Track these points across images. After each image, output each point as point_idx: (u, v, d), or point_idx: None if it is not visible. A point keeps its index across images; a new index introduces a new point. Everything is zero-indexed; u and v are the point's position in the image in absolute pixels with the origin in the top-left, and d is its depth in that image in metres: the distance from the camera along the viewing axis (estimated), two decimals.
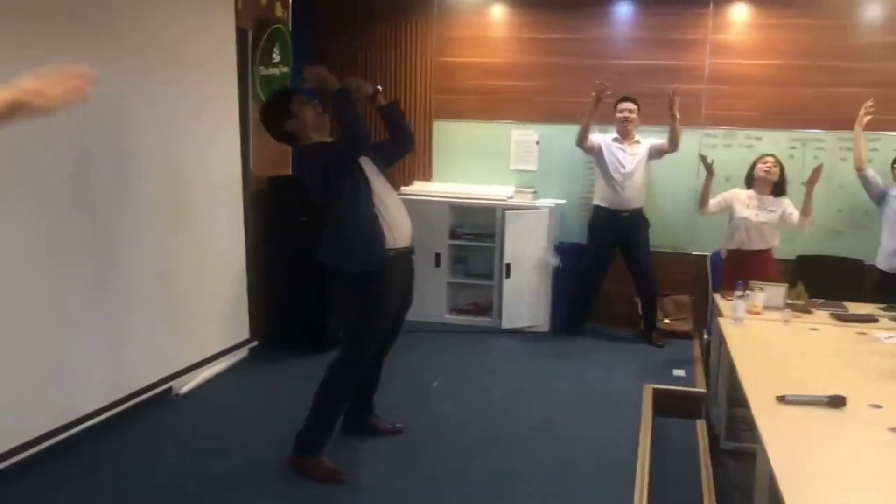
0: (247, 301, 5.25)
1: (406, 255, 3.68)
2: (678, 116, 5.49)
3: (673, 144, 5.63)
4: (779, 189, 5.09)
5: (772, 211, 5.02)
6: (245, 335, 5.25)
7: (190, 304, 4.67)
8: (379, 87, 3.90)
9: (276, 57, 5.55)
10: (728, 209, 5.15)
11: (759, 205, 5.04)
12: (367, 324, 3.53)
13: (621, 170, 5.71)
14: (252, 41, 5.23)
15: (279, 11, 5.60)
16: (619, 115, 5.68)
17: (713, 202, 5.19)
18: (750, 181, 5.16)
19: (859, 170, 5.44)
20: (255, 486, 3.50)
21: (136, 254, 4.18)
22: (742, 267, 4.89)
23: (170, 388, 4.51)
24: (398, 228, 3.57)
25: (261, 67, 5.36)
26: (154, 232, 4.32)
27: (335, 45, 6.55)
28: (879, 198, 5.32)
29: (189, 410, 4.41)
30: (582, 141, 5.71)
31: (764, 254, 5.04)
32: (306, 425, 3.60)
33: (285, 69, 5.68)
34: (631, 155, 5.72)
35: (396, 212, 3.61)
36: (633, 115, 5.68)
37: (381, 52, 6.48)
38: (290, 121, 3.52)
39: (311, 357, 5.28)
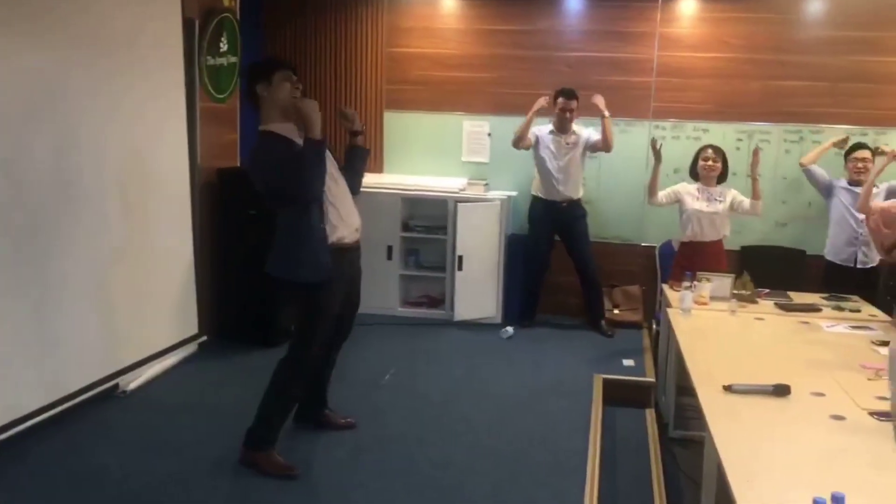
0: (195, 295, 5.17)
1: (353, 250, 3.68)
2: (607, 115, 5.61)
3: (606, 144, 5.70)
4: (722, 177, 5.17)
5: (720, 201, 5.10)
6: (194, 330, 5.16)
7: (136, 300, 4.57)
8: (363, 128, 3.97)
9: (224, 47, 5.46)
10: (677, 202, 5.21)
11: (707, 196, 5.11)
12: (312, 326, 3.52)
13: (557, 162, 5.74)
14: (199, 31, 5.12)
15: (227, 1, 5.50)
16: (558, 109, 5.69)
17: (662, 194, 5.25)
18: (695, 175, 5.23)
19: (803, 165, 5.57)
20: (205, 485, 3.45)
21: (79, 248, 4.08)
22: (695, 258, 4.96)
23: (116, 385, 4.42)
24: (348, 225, 3.57)
25: (208, 57, 5.26)
26: (98, 226, 4.22)
27: (284, 35, 6.46)
28: (827, 191, 5.44)
29: (136, 407, 4.33)
30: (518, 141, 5.74)
31: (716, 244, 5.11)
32: (256, 421, 3.57)
33: (233, 59, 5.59)
34: (567, 147, 5.74)
35: (348, 206, 3.61)
36: (574, 113, 5.69)
37: (331, 41, 6.42)
38: (263, 85, 3.40)
39: (261, 352, 5.23)
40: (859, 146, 5.34)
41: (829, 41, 5.82)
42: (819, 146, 5.62)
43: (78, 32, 3.99)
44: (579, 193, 5.87)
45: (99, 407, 4.21)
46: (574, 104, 5.66)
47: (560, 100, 5.67)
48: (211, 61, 5.31)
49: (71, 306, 4.05)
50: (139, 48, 4.48)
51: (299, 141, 3.38)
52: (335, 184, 3.54)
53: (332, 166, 3.53)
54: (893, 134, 5.77)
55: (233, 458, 3.63)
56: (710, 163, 5.10)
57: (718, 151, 5.17)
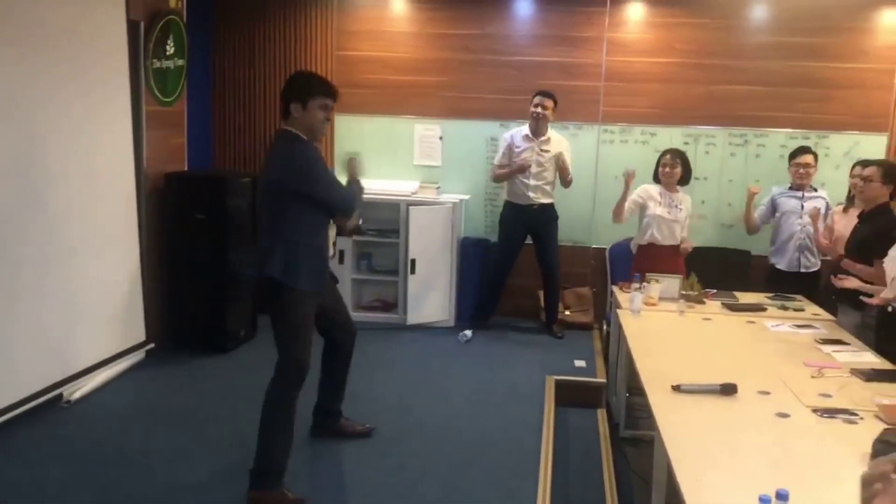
0: (142, 302, 5.07)
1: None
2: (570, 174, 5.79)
3: (564, 182, 5.85)
4: (683, 180, 5.17)
5: (680, 209, 5.11)
6: (141, 337, 5.06)
7: (80, 307, 4.47)
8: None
9: (171, 49, 5.37)
10: (641, 207, 5.20)
11: (669, 202, 5.11)
12: (297, 334, 3.39)
13: (530, 169, 5.76)
14: (145, 33, 5.03)
15: (173, 2, 5.41)
16: (533, 108, 5.68)
17: (627, 206, 5.20)
18: (657, 179, 5.23)
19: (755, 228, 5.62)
20: (149, 499, 3.38)
21: (21, 255, 3.98)
22: (652, 261, 4.99)
23: (60, 395, 4.31)
24: (330, 239, 3.60)
25: (154, 60, 5.18)
26: (41, 232, 4.12)
27: (232, 37, 6.38)
28: (774, 209, 5.48)
29: (81, 417, 4.22)
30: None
31: (674, 248, 5.14)
32: (258, 458, 3.31)
33: (180, 62, 5.50)
34: (540, 153, 5.75)
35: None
36: (548, 112, 5.68)
37: (280, 44, 6.36)
38: (297, 106, 3.35)
39: (211, 358, 5.18)
40: (802, 150, 5.40)
41: (774, 46, 5.95)
42: (746, 213, 5.60)
43: (17, 34, 3.89)
44: (552, 198, 5.87)
45: (42, 417, 4.10)
46: (549, 103, 5.66)
47: (536, 98, 5.68)
48: (157, 64, 5.22)
49: (12, 314, 3.94)
50: (82, 50, 4.39)
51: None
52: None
53: None
54: (835, 138, 5.93)
55: (177, 467, 3.57)
56: (667, 168, 5.09)
57: (678, 155, 5.13)
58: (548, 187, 5.83)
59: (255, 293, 3.49)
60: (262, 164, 3.69)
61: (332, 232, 3.64)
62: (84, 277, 4.49)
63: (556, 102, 5.70)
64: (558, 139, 5.83)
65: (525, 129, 5.80)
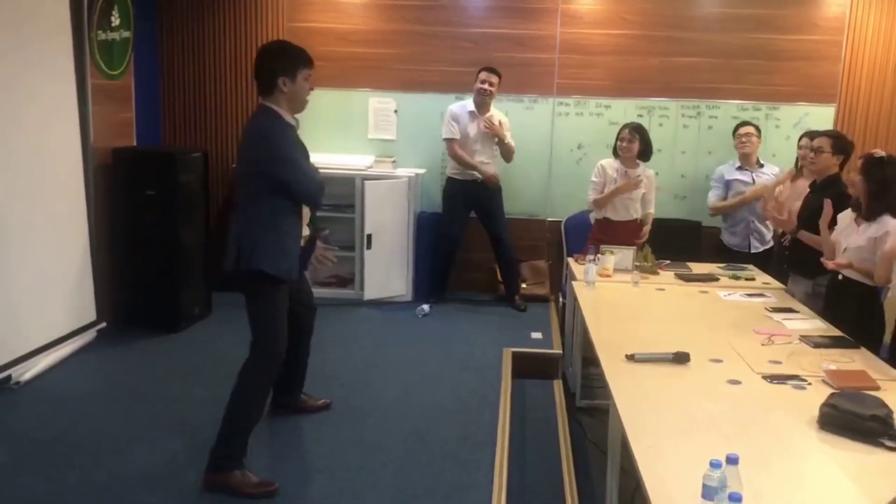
0: (92, 281, 4.97)
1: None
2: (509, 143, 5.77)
3: (508, 158, 5.88)
4: (643, 155, 5.16)
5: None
6: (92, 317, 4.97)
7: (28, 286, 4.36)
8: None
9: (116, 21, 5.22)
10: (603, 186, 5.14)
11: (626, 178, 5.10)
12: (273, 322, 3.31)
13: (474, 146, 5.76)
14: (88, 3, 4.88)
15: None
16: (479, 84, 5.67)
17: (594, 189, 5.17)
18: (616, 154, 5.23)
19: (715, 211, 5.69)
20: (95, 477, 3.33)
21: None
22: (609, 233, 5.02)
23: (9, 377, 4.21)
24: (303, 227, 3.48)
25: (99, 32, 5.03)
26: None
27: (179, 8, 6.22)
28: (726, 186, 5.54)
29: (31, 399, 4.13)
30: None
31: (630, 224, 5.15)
32: (221, 439, 3.23)
33: (126, 33, 5.36)
34: (484, 129, 5.74)
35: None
36: (494, 89, 5.68)
37: (230, 15, 6.21)
38: (286, 79, 3.24)
39: (163, 337, 5.11)
40: (742, 124, 5.57)
41: (725, 18, 5.99)
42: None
43: None
44: (493, 171, 5.88)
45: None
46: (495, 79, 5.65)
47: (482, 73, 5.66)
48: (102, 36, 5.08)
49: None
50: (22, 21, 4.24)
51: (292, 121, 3.33)
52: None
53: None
54: (785, 109, 6.00)
55: (130, 449, 3.52)
56: (625, 143, 5.08)
57: (637, 130, 5.12)
58: (491, 161, 5.84)
59: (228, 277, 3.38)
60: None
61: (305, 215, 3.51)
62: (32, 256, 4.38)
63: (500, 78, 5.69)
64: (499, 114, 5.85)
65: (469, 104, 5.80)
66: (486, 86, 5.64)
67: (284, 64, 3.26)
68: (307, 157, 3.38)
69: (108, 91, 5.22)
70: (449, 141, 5.82)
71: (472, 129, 5.75)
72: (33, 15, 4.36)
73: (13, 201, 4.22)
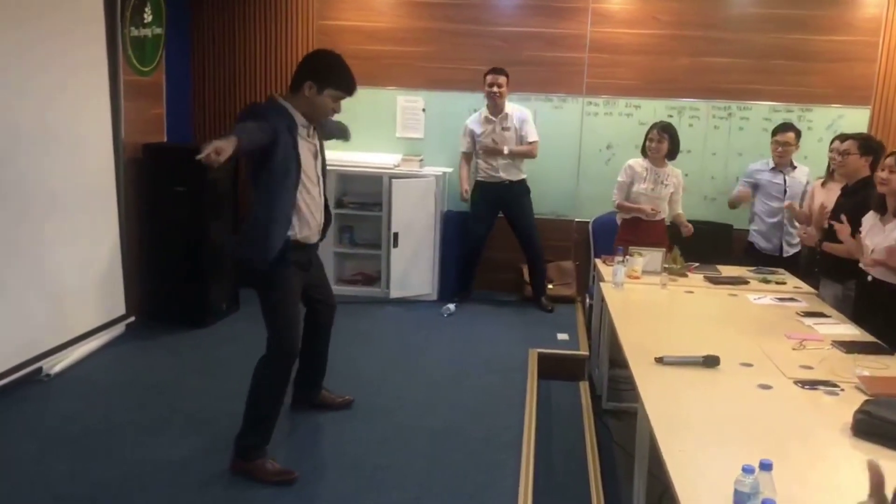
0: (122, 275, 5.01)
1: (313, 246, 3.55)
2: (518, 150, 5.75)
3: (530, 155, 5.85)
4: (671, 155, 5.11)
5: (666, 185, 5.09)
6: (121, 311, 5.01)
7: (59, 280, 4.41)
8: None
9: (149, 17, 5.27)
10: (629, 186, 5.12)
11: (655, 178, 5.07)
12: (276, 311, 3.33)
13: (496, 147, 5.74)
14: (122, 0, 4.92)
15: None
16: (488, 88, 5.64)
17: (622, 196, 5.15)
18: (645, 153, 5.19)
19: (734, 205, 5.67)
20: (116, 462, 3.36)
21: None
22: (636, 234, 4.98)
23: (40, 369, 4.26)
24: (312, 227, 3.42)
25: (132, 28, 5.07)
26: (18, 205, 4.04)
27: (211, 5, 6.27)
28: (755, 187, 5.47)
29: (60, 391, 4.18)
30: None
31: (658, 223, 5.13)
32: (244, 428, 3.31)
33: (158, 30, 5.40)
34: (502, 132, 5.73)
35: (318, 208, 3.45)
36: (503, 89, 5.64)
37: (261, 13, 6.25)
38: (311, 85, 3.24)
39: (191, 332, 5.14)
40: (785, 127, 5.36)
41: (757, 18, 5.92)
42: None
43: None
44: (521, 175, 5.86)
45: (21, 391, 4.06)
46: (502, 79, 5.62)
47: (489, 76, 5.64)
48: (135, 32, 5.12)
49: None
50: (58, 18, 4.29)
51: (302, 123, 3.29)
52: (313, 185, 3.38)
53: (313, 167, 3.39)
54: (819, 111, 5.92)
55: (158, 441, 3.55)
56: (654, 143, 5.04)
57: (666, 130, 5.06)
58: (517, 163, 5.81)
59: (235, 271, 3.38)
60: None
61: (320, 217, 3.49)
62: (63, 251, 4.43)
63: (508, 77, 5.65)
64: (517, 110, 5.79)
65: (483, 111, 5.78)
66: (494, 88, 5.62)
67: (318, 73, 3.27)
68: (291, 146, 3.20)
69: (139, 87, 5.26)
70: (462, 153, 5.89)
71: (491, 134, 5.75)
72: (68, 11, 4.41)
73: (45, 196, 4.26)
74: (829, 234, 4.11)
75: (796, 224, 5.12)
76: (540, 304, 5.98)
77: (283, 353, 3.34)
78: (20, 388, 4.08)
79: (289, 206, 3.26)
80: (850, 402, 2.55)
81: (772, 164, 5.37)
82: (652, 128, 5.12)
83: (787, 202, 5.12)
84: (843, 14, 5.84)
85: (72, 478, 3.25)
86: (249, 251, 3.27)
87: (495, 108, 5.72)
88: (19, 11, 4.00)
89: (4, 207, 3.96)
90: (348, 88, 3.33)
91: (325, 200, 3.53)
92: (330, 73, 3.29)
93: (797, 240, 5.26)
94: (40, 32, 4.16)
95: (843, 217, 3.94)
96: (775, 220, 5.31)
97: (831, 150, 4.85)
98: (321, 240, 3.60)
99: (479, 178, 5.92)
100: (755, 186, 5.44)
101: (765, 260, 5.18)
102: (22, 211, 4.09)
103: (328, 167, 3.68)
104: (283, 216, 3.25)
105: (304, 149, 3.31)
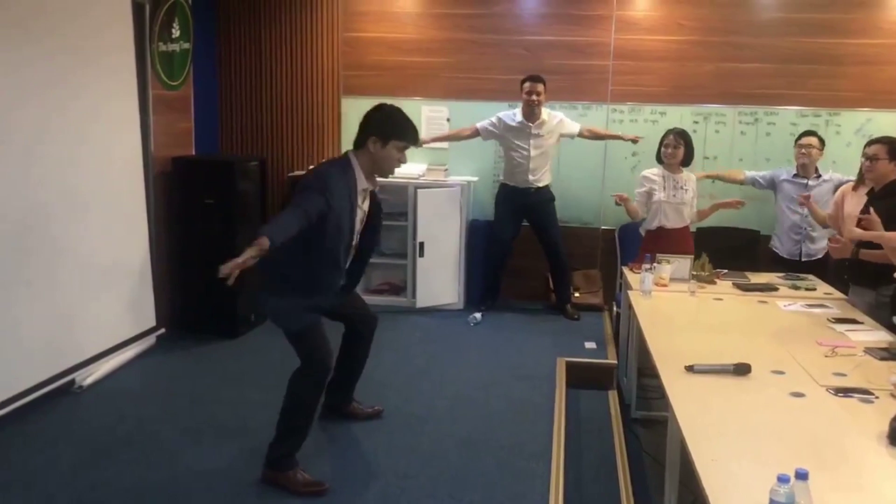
0: (152, 287, 5.07)
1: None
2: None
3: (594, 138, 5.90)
4: (687, 160, 5.07)
5: (685, 189, 5.05)
6: (151, 323, 5.07)
7: (90, 292, 4.47)
8: None
9: (176, 32, 5.34)
10: (648, 196, 5.07)
11: (673, 185, 5.03)
12: (305, 342, 3.38)
13: (525, 153, 5.74)
14: (150, 16, 5.00)
15: None
16: (526, 95, 5.65)
17: (639, 206, 5.10)
18: (660, 160, 5.17)
19: (741, 182, 5.66)
20: (159, 484, 3.39)
21: (30, 241, 3.98)
22: (662, 243, 4.94)
23: (72, 381, 4.32)
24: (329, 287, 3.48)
25: (160, 43, 5.15)
26: (49, 217, 4.11)
27: (237, 19, 6.34)
28: (773, 187, 5.48)
29: (93, 402, 4.23)
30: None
31: (682, 230, 5.09)
32: (276, 440, 3.37)
33: (186, 45, 5.47)
34: (536, 136, 5.73)
35: (342, 261, 3.49)
36: (541, 97, 5.66)
37: (287, 26, 6.32)
38: (376, 140, 3.31)
39: (221, 343, 5.19)
40: (807, 133, 5.36)
41: (782, 23, 5.88)
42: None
43: (21, 18, 3.86)
44: (548, 181, 5.87)
45: (55, 403, 4.12)
46: (540, 87, 5.63)
47: (526, 84, 5.64)
48: (163, 47, 5.19)
49: (23, 300, 3.95)
50: (87, 34, 4.36)
51: (363, 184, 3.39)
52: (349, 246, 3.47)
53: (355, 231, 3.48)
54: (847, 115, 5.87)
55: (189, 451, 3.58)
56: (670, 150, 5.00)
57: (682, 136, 5.03)
58: (546, 169, 5.82)
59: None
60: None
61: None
62: (94, 263, 4.49)
63: (545, 84, 5.67)
64: (551, 117, 5.80)
65: (517, 113, 5.78)
66: (533, 96, 5.63)
67: (382, 126, 3.32)
68: (347, 215, 3.31)
69: (168, 101, 5.34)
70: (479, 127, 5.90)
71: (523, 135, 5.75)
72: (99, 27, 4.48)
73: (77, 209, 4.33)
74: (864, 242, 4.05)
75: (817, 226, 5.08)
76: (565, 313, 5.96)
77: (317, 368, 3.38)
78: (53, 399, 4.14)
79: (330, 272, 3.39)
80: (885, 410, 2.52)
81: (795, 171, 5.34)
82: (667, 133, 5.09)
83: (802, 195, 5.03)
84: (869, 17, 5.79)
85: (104, 488, 3.29)
86: (285, 323, 3.38)
87: (532, 115, 5.72)
88: (54, 29, 4.08)
89: (38, 222, 4.03)
90: (412, 138, 3.40)
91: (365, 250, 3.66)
92: (394, 126, 3.35)
93: (818, 245, 5.21)
94: (73, 50, 4.25)
95: (873, 211, 3.85)
96: (793, 225, 5.28)
97: (863, 155, 4.79)
98: (352, 287, 3.71)
99: (503, 181, 5.94)
100: (773, 187, 5.42)
101: (789, 265, 5.14)
102: (54, 225, 4.16)
103: None
104: (325, 284, 3.40)
105: (357, 216, 3.41)
